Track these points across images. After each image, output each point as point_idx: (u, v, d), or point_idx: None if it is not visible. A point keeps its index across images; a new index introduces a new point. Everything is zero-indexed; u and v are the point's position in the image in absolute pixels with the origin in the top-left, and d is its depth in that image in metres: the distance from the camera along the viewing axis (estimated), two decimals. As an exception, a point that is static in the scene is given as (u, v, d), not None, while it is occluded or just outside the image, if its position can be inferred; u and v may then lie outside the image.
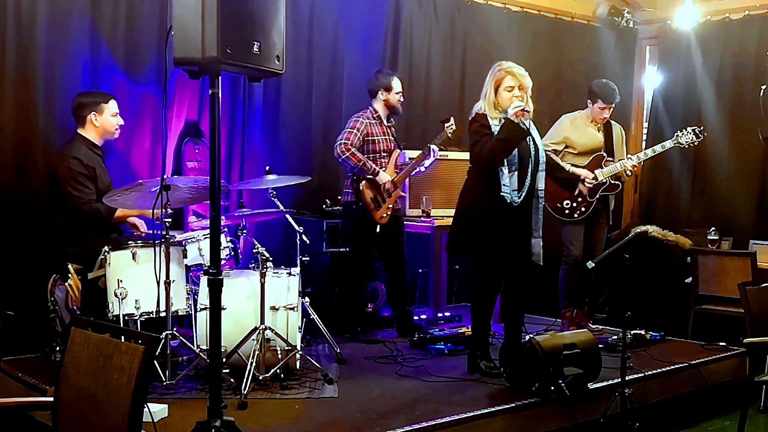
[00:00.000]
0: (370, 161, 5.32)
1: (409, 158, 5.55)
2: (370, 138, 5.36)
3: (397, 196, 5.43)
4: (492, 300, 4.62)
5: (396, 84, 5.45)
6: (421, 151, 5.49)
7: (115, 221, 4.57)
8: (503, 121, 4.30)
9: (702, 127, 5.67)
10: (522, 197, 4.34)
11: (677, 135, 5.59)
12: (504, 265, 4.44)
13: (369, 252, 5.45)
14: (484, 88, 4.46)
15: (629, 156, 5.60)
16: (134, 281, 4.13)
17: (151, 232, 3.99)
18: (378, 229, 5.35)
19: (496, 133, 4.30)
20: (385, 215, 5.36)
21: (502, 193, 4.28)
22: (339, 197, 5.81)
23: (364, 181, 5.32)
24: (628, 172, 5.51)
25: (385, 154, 5.43)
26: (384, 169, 5.39)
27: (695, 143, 5.61)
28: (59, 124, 4.84)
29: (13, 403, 2.83)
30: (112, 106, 4.61)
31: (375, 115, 5.42)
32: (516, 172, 4.32)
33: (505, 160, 4.29)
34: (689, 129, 5.57)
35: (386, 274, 5.61)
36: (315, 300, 5.02)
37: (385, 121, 5.47)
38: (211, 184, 3.08)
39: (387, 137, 5.46)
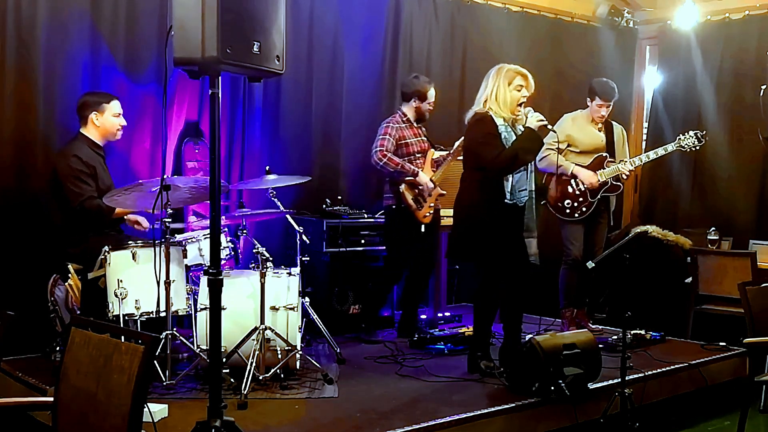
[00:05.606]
0: (408, 163, 5.31)
1: (441, 156, 5.50)
2: (403, 141, 5.34)
3: (437, 194, 5.41)
4: (496, 301, 4.63)
5: (431, 94, 5.45)
6: (450, 151, 5.41)
7: (115, 217, 4.57)
8: (522, 128, 4.37)
9: (704, 132, 5.67)
10: (527, 197, 4.44)
11: (680, 138, 5.58)
12: (508, 265, 4.44)
13: (409, 253, 5.41)
14: (493, 86, 4.40)
15: (631, 159, 5.60)
16: (134, 281, 4.13)
17: (152, 227, 4.00)
18: (423, 229, 5.34)
19: (505, 134, 4.34)
20: (428, 214, 5.36)
21: (506, 201, 4.35)
22: (339, 197, 5.82)
23: (403, 184, 5.30)
24: (624, 175, 5.51)
25: (419, 155, 5.41)
26: (421, 169, 5.37)
27: (697, 147, 5.60)
28: (59, 124, 4.84)
29: (13, 403, 2.82)
30: (114, 106, 4.60)
31: (404, 119, 5.41)
32: (522, 173, 4.42)
33: None
34: (692, 133, 5.57)
35: (410, 271, 5.58)
36: (315, 300, 5.02)
37: (414, 123, 5.45)
38: (211, 184, 3.09)
39: (419, 138, 5.44)
